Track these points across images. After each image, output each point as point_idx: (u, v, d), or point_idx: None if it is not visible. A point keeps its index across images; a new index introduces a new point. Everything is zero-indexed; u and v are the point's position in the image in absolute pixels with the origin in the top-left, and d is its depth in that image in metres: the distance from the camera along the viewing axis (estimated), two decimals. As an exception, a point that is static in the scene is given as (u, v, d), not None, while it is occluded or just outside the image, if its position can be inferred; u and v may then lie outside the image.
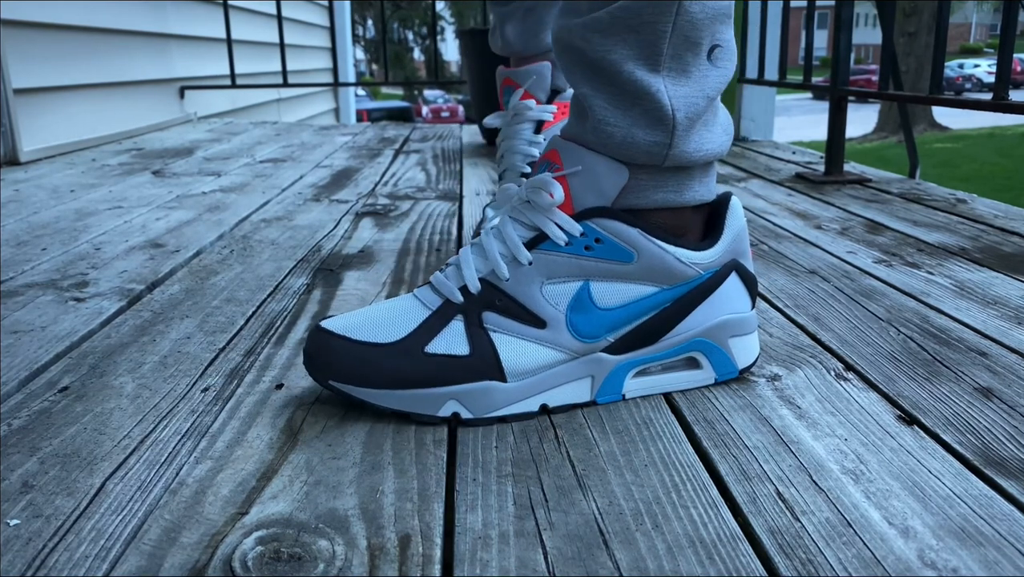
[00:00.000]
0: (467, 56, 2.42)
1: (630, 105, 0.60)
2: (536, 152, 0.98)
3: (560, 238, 0.60)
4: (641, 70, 0.59)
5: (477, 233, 0.98)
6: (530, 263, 0.61)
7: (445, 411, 0.59)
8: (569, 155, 0.61)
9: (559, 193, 0.60)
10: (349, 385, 0.59)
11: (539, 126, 1.00)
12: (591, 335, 0.61)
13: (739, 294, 0.65)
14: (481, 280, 0.61)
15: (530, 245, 0.61)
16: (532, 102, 1.00)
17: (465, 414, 0.59)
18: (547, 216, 0.61)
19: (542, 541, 0.45)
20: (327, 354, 0.60)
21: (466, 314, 0.61)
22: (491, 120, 1.05)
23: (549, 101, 1.02)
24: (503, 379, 0.59)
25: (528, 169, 0.97)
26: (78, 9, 2.24)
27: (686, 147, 0.61)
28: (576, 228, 0.60)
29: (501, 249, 0.62)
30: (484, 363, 0.59)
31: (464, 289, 0.61)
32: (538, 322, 0.60)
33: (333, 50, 3.45)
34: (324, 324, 0.62)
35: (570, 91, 0.97)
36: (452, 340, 0.60)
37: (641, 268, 0.61)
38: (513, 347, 0.60)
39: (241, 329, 0.79)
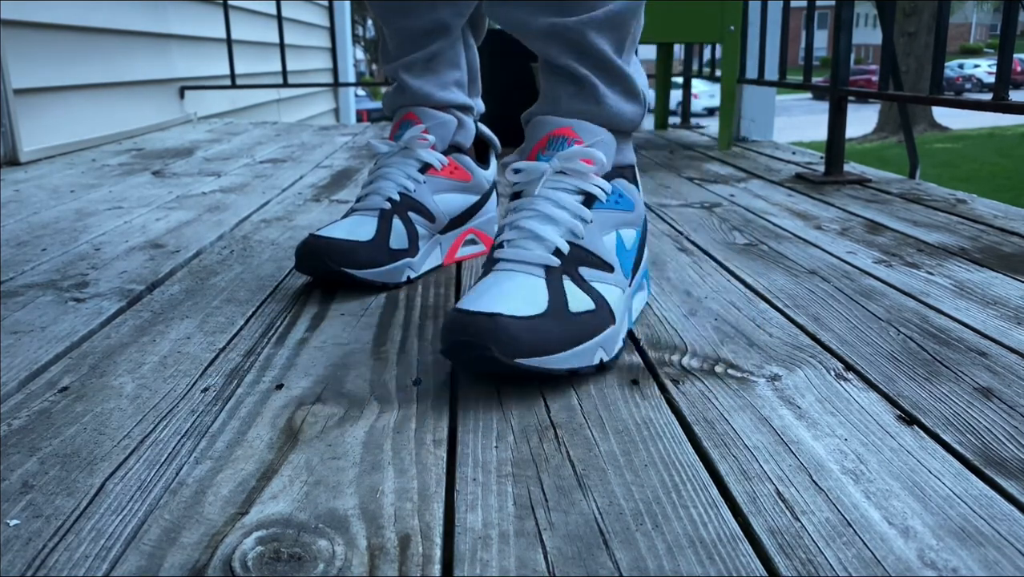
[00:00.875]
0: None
1: (615, 84, 0.76)
2: (411, 186, 0.94)
3: (604, 197, 0.73)
4: (619, 58, 0.76)
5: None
6: (591, 221, 0.72)
7: (596, 359, 0.66)
8: (584, 130, 0.74)
9: (600, 159, 0.73)
10: (533, 359, 0.62)
11: (424, 168, 0.97)
12: (627, 273, 0.75)
13: None
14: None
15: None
16: (428, 143, 0.97)
17: (606, 358, 0.67)
18: (590, 181, 0.73)
19: (542, 541, 0.45)
20: (504, 335, 0.60)
21: (568, 273, 0.69)
22: (377, 144, 0.99)
23: (445, 154, 0.99)
24: (615, 321, 0.69)
25: (396, 198, 0.93)
26: (78, 9, 2.24)
27: (644, 117, 0.80)
28: (608, 187, 0.74)
29: (565, 213, 0.71)
30: (605, 311, 0.68)
31: (557, 252, 0.69)
32: (609, 268, 0.72)
33: (333, 50, 3.45)
34: (462, 306, 0.63)
35: (461, 153, 1.01)
36: (579, 299, 0.67)
37: (636, 215, 0.77)
38: (609, 292, 0.70)
39: (241, 329, 0.79)
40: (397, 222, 0.92)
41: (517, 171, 0.74)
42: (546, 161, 0.74)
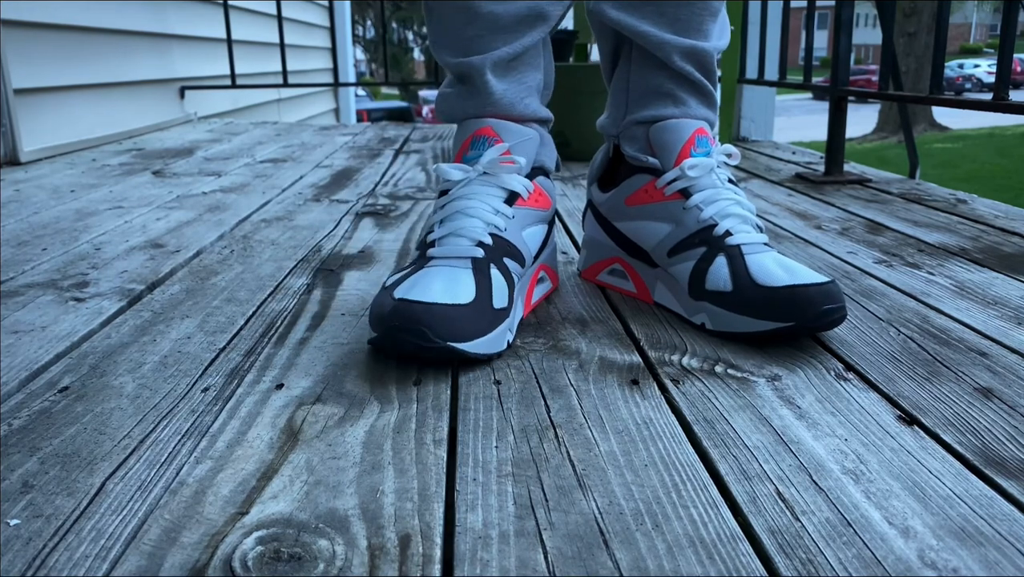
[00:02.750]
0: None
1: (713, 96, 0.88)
2: (501, 223, 0.77)
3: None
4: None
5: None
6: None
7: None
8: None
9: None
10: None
11: (512, 198, 0.79)
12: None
13: None
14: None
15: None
16: (515, 167, 0.79)
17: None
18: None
19: (542, 541, 0.45)
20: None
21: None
22: (450, 170, 0.79)
23: (529, 178, 0.83)
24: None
25: (488, 241, 0.75)
26: (78, 9, 2.24)
27: None
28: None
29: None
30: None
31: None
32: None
33: (333, 50, 3.45)
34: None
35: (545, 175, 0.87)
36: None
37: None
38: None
39: (241, 329, 0.79)
40: (495, 273, 0.73)
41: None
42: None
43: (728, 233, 0.79)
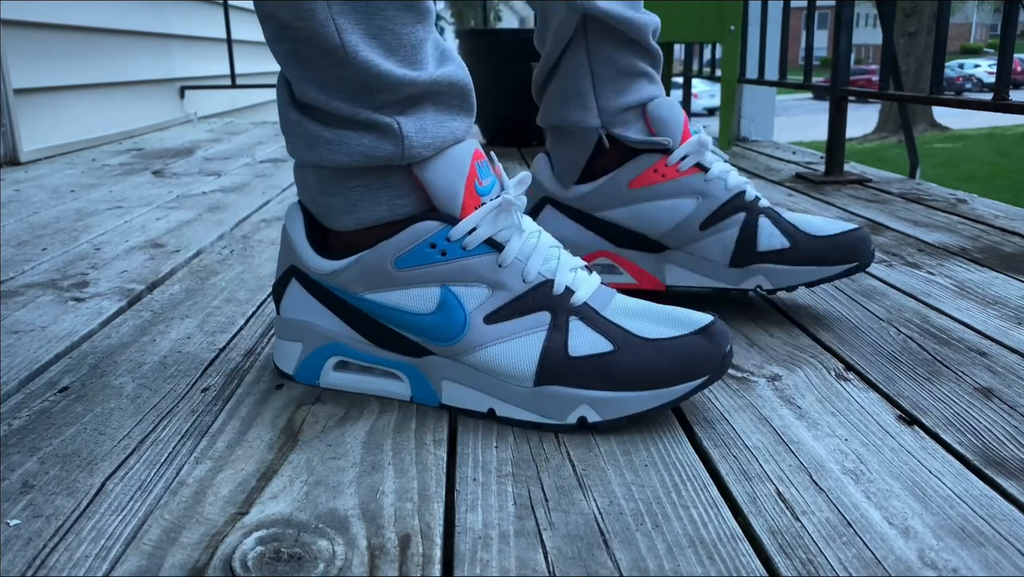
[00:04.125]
0: (468, 57, 2.42)
1: None
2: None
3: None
4: None
5: None
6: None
7: None
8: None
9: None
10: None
11: None
12: None
13: None
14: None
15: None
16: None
17: None
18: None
19: (542, 541, 0.45)
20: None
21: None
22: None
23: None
24: None
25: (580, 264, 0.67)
26: (78, 9, 2.24)
27: None
28: None
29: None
30: None
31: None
32: None
33: (333, 50, 3.44)
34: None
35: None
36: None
37: None
38: None
39: (241, 329, 0.79)
40: None
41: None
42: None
43: (757, 198, 0.83)
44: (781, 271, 0.80)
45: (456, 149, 0.60)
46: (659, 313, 0.61)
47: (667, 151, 0.83)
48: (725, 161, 0.86)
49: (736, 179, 0.84)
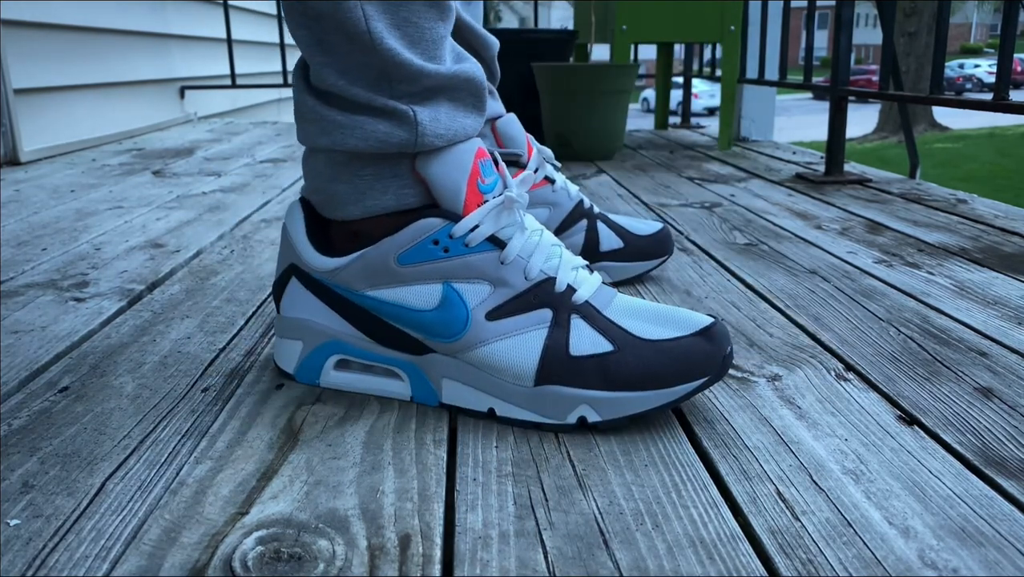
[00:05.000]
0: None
1: None
2: None
3: None
4: None
5: None
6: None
7: None
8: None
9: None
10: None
11: None
12: None
13: None
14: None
15: None
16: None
17: None
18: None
19: (542, 541, 0.45)
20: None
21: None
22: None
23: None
24: None
25: None
26: (78, 9, 2.24)
27: None
28: None
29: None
30: None
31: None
32: None
33: (333, 50, 3.44)
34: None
35: None
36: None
37: None
38: None
39: (241, 329, 0.79)
40: None
41: None
42: None
43: (591, 205, 0.96)
44: (617, 268, 0.93)
45: (460, 146, 0.61)
46: (660, 313, 0.61)
47: (521, 164, 0.92)
48: (557, 170, 0.98)
49: (574, 188, 0.96)
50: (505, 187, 0.62)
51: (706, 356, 0.58)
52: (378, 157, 0.61)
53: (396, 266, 0.60)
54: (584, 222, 0.94)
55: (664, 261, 0.95)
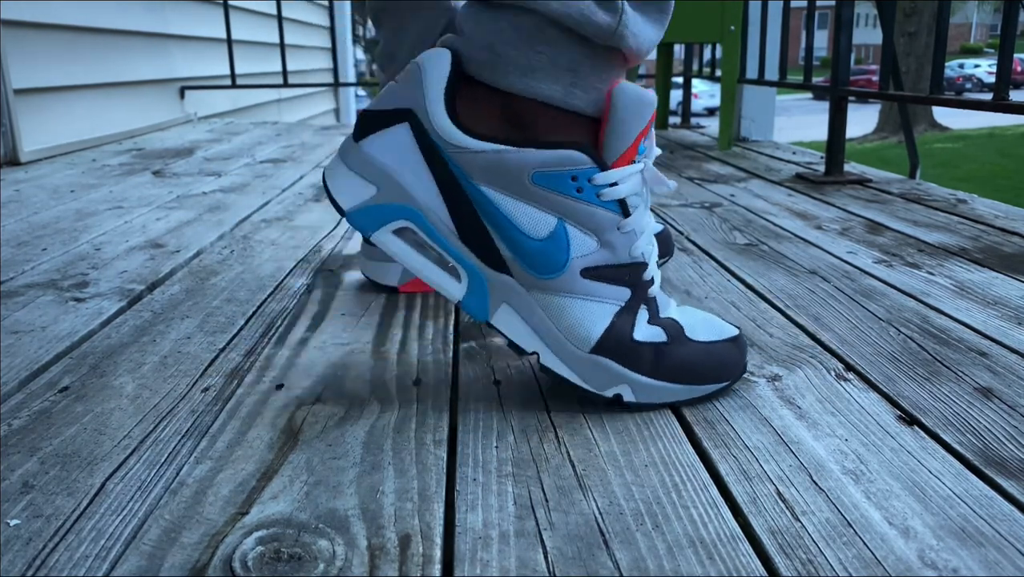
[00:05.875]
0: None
1: None
2: None
3: None
4: None
5: None
6: None
7: None
8: None
9: None
10: None
11: None
12: None
13: None
14: None
15: None
16: None
17: None
18: None
19: (542, 541, 0.45)
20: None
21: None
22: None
23: None
24: None
25: None
26: (78, 9, 2.24)
27: None
28: None
29: None
30: None
31: None
32: None
33: (333, 50, 3.45)
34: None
35: None
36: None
37: None
38: None
39: (241, 329, 0.79)
40: None
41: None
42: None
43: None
44: None
45: (648, 95, 0.58)
46: (699, 318, 0.65)
47: None
48: None
49: None
50: (648, 158, 0.61)
51: (735, 362, 0.63)
52: (565, 35, 0.57)
53: (528, 181, 0.57)
54: None
55: (665, 262, 0.97)
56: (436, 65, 0.58)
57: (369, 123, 0.60)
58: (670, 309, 0.64)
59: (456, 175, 0.58)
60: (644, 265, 0.61)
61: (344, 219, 0.59)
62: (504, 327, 0.60)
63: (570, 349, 0.59)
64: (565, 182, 0.57)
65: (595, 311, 0.59)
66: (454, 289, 0.60)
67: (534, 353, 0.60)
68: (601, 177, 0.58)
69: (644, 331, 0.61)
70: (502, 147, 0.57)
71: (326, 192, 0.61)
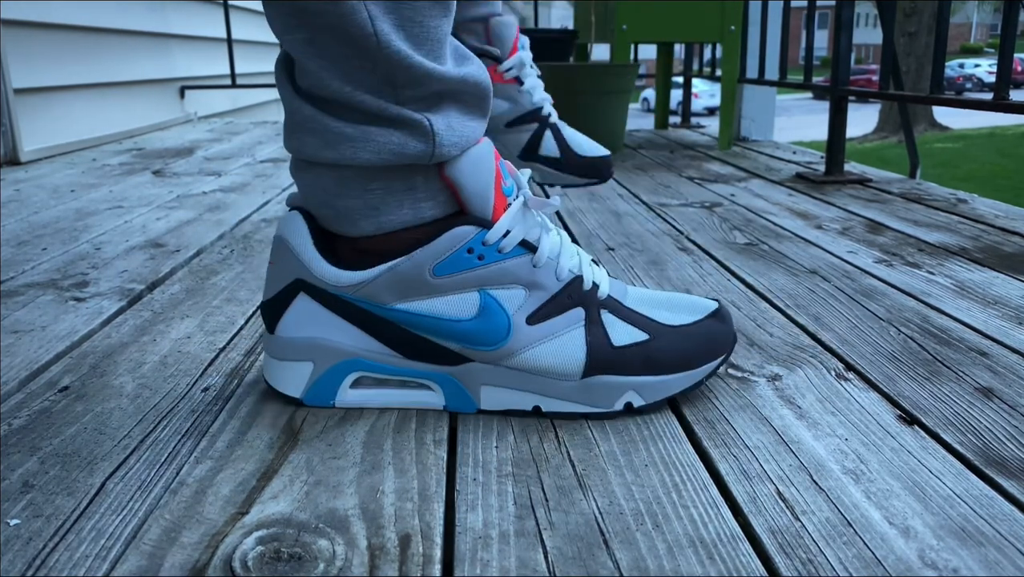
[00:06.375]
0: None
1: None
2: None
3: None
4: None
5: None
6: None
7: None
8: None
9: None
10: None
11: None
12: None
13: None
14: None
15: None
16: None
17: None
18: None
19: (542, 541, 0.45)
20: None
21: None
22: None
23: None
24: None
25: None
26: (78, 9, 2.24)
27: None
28: None
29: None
30: None
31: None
32: None
33: (333, 50, 3.44)
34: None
35: None
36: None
37: None
38: None
39: (241, 329, 0.79)
40: None
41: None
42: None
43: (550, 114, 1.24)
44: (548, 173, 1.19)
45: (480, 149, 0.58)
46: (670, 301, 0.65)
47: (498, 60, 1.16)
48: (538, 77, 1.22)
49: (541, 94, 1.20)
50: (519, 187, 0.61)
51: (723, 336, 0.63)
52: (387, 170, 0.57)
53: (431, 278, 0.57)
54: (535, 126, 1.18)
55: (594, 184, 1.16)
56: (295, 230, 0.60)
57: (271, 312, 0.61)
58: (628, 296, 0.63)
59: (368, 309, 0.59)
60: (579, 279, 0.61)
61: (302, 406, 0.61)
62: (496, 405, 0.60)
63: (564, 387, 0.59)
64: (463, 259, 0.57)
65: (565, 343, 0.59)
66: (434, 401, 0.61)
67: (536, 409, 0.60)
68: (492, 234, 0.58)
69: (620, 334, 0.60)
70: (391, 263, 0.58)
71: (274, 391, 0.62)
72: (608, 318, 0.61)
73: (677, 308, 0.64)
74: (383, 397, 0.61)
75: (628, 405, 0.60)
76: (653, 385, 0.60)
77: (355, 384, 0.61)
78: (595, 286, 0.61)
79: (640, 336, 0.60)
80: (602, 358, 0.59)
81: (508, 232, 0.58)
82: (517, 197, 0.60)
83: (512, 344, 0.58)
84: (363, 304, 0.59)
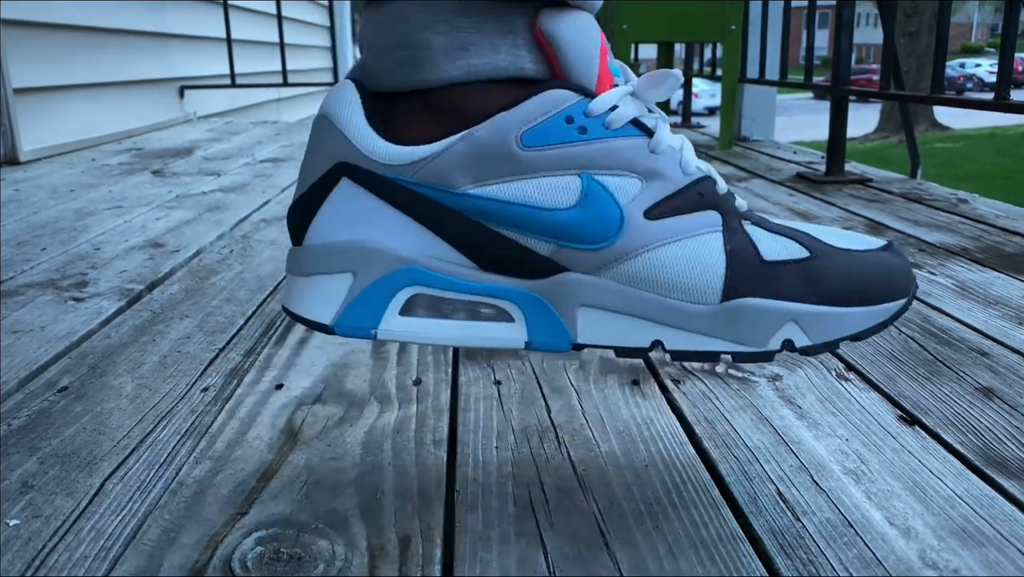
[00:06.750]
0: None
1: None
2: None
3: None
4: None
5: None
6: None
7: None
8: None
9: None
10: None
11: None
12: None
13: None
14: None
15: None
16: None
17: None
18: None
19: (542, 541, 0.45)
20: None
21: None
22: None
23: None
24: None
25: None
26: (78, 9, 2.24)
27: None
28: None
29: None
30: None
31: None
32: None
33: (333, 49, 3.45)
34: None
35: None
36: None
37: None
38: None
39: (241, 329, 0.79)
40: None
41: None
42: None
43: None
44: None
45: (585, 15, 0.46)
46: (823, 230, 0.49)
47: None
48: None
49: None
50: (626, 78, 0.48)
51: (903, 273, 0.46)
52: (483, 10, 0.45)
53: (519, 149, 0.44)
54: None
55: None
56: (343, 100, 0.46)
57: (301, 215, 0.47)
58: (775, 219, 0.49)
59: (432, 198, 0.45)
60: (710, 179, 0.46)
61: (337, 335, 0.47)
62: (600, 337, 0.45)
63: (697, 311, 0.44)
64: (561, 128, 0.44)
65: (697, 248, 0.44)
66: (513, 334, 0.46)
67: (656, 346, 0.45)
68: (597, 105, 0.44)
69: (770, 247, 0.45)
70: (467, 131, 0.44)
71: (296, 320, 0.47)
72: (753, 230, 0.46)
73: (836, 236, 0.47)
74: (444, 329, 0.46)
75: (788, 343, 0.44)
76: (822, 317, 0.44)
77: (407, 308, 0.46)
78: (731, 194, 0.47)
79: (799, 252, 0.45)
80: (749, 274, 0.44)
81: (616, 106, 0.45)
82: (627, 85, 0.47)
83: (625, 242, 0.44)
84: (426, 190, 0.45)
